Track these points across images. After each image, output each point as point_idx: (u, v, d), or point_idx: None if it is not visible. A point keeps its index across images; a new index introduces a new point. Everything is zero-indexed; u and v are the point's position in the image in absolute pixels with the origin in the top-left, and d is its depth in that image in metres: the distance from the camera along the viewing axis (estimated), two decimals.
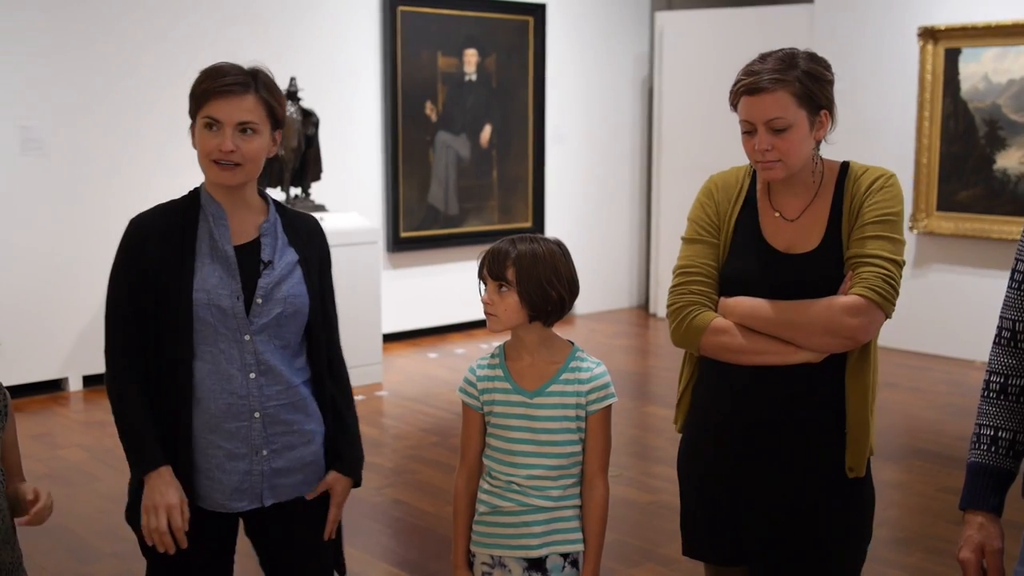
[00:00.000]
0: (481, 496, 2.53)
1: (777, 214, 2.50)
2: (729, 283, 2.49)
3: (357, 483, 2.63)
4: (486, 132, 8.35)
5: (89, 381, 6.68)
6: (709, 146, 8.57)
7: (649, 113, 9.36)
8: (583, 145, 9.07)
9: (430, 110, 8.00)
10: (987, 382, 2.27)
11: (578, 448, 2.49)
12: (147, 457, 2.38)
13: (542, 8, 8.53)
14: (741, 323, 2.43)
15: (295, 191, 6.65)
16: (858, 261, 2.38)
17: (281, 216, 2.51)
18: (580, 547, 2.49)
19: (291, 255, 2.47)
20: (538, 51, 8.54)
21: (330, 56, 7.35)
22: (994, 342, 2.27)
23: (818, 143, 2.47)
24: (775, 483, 2.46)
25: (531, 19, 8.48)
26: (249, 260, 2.41)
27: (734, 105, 2.46)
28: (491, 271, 2.45)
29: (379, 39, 7.72)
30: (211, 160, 2.35)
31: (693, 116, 8.69)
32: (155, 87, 6.75)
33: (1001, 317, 2.25)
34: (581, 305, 8.97)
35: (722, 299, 2.48)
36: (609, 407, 2.50)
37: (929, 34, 7.32)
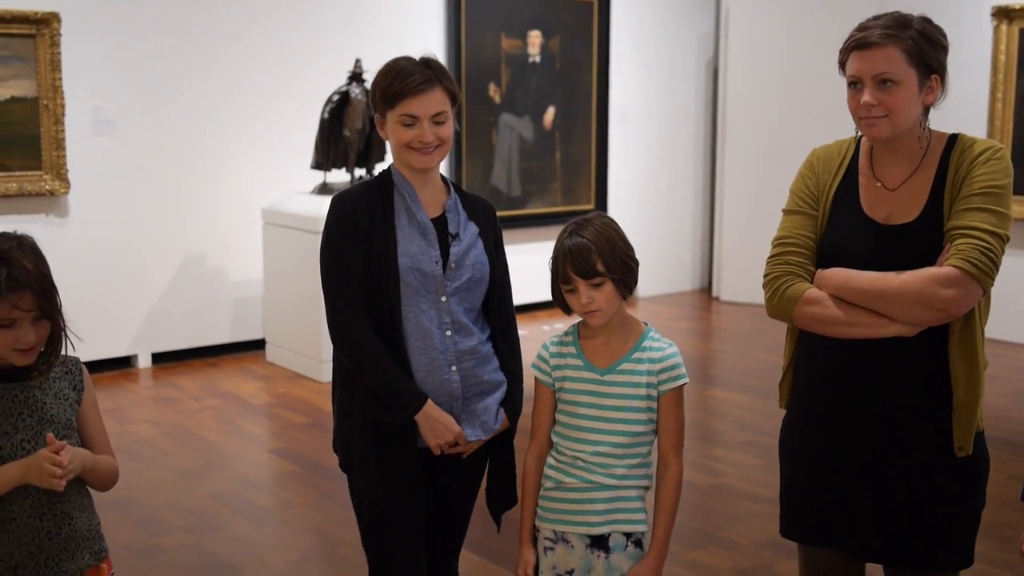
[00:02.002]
0: (547, 471, 2.56)
1: (879, 184, 2.45)
2: (826, 254, 2.46)
3: (512, 426, 2.78)
4: (549, 114, 8.33)
5: (158, 358, 6.81)
6: (775, 128, 8.48)
7: (714, 94, 9.27)
8: (647, 127, 9.02)
9: (494, 92, 8.00)
10: None
11: (645, 428, 2.49)
12: (412, 398, 2.59)
13: None
14: (835, 294, 2.38)
15: (359, 172, 6.69)
16: (957, 232, 2.31)
17: (460, 196, 2.76)
18: (643, 527, 2.50)
19: (473, 228, 2.73)
20: (602, 32, 8.49)
21: (395, 37, 7.38)
22: None
23: (927, 110, 2.41)
24: (876, 463, 2.42)
25: (595, 0, 8.43)
26: (438, 232, 2.66)
27: (842, 64, 2.41)
28: (581, 272, 2.45)
29: (444, 20, 7.73)
30: (410, 148, 2.60)
31: (759, 97, 8.60)
32: (223, 68, 6.84)
33: None
34: (644, 288, 8.93)
35: (818, 271, 2.44)
36: (681, 387, 2.50)
37: (1003, 14, 7.16)
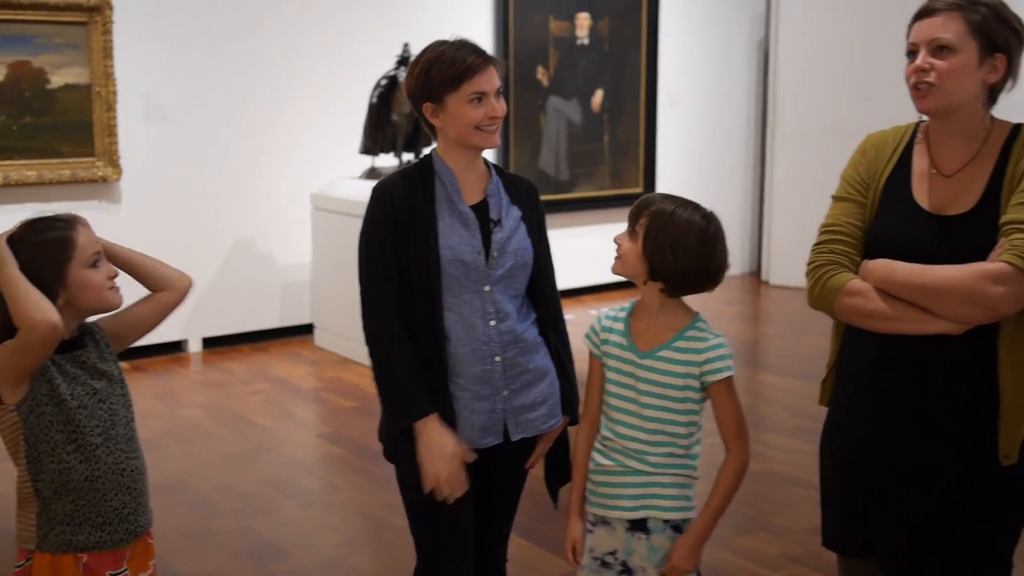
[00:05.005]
0: (592, 452, 2.53)
1: (934, 170, 2.33)
2: (874, 245, 2.35)
3: (574, 421, 2.75)
4: (598, 96, 8.28)
5: (208, 343, 6.88)
6: (826, 111, 8.37)
7: (764, 76, 9.16)
8: (696, 109, 8.94)
9: (542, 75, 7.96)
10: None
11: (683, 418, 2.42)
12: (416, 406, 2.53)
13: None
14: (879, 286, 2.28)
15: (407, 156, 6.69)
16: (1012, 227, 2.17)
17: (501, 178, 2.72)
18: (678, 514, 2.44)
19: (515, 212, 2.69)
20: (651, 13, 8.42)
21: (443, 20, 7.35)
22: None
23: (992, 94, 2.31)
24: (914, 469, 2.30)
25: None
26: (481, 218, 2.63)
27: (908, 36, 2.33)
28: (630, 215, 2.44)
29: (492, 2, 7.70)
30: (479, 130, 2.59)
31: (810, 79, 8.49)
32: (272, 54, 6.87)
33: None
34: None
35: (864, 261, 2.34)
36: (727, 380, 2.41)
37: None
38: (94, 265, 2.40)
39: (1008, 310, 2.17)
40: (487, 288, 2.59)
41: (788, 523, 4.16)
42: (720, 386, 2.41)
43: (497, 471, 2.72)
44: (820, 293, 2.36)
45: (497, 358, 2.59)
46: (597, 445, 2.51)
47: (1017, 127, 2.33)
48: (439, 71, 2.56)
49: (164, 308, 2.60)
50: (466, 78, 2.54)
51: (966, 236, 2.25)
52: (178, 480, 4.64)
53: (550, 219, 2.88)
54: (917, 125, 2.44)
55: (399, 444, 2.63)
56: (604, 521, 2.48)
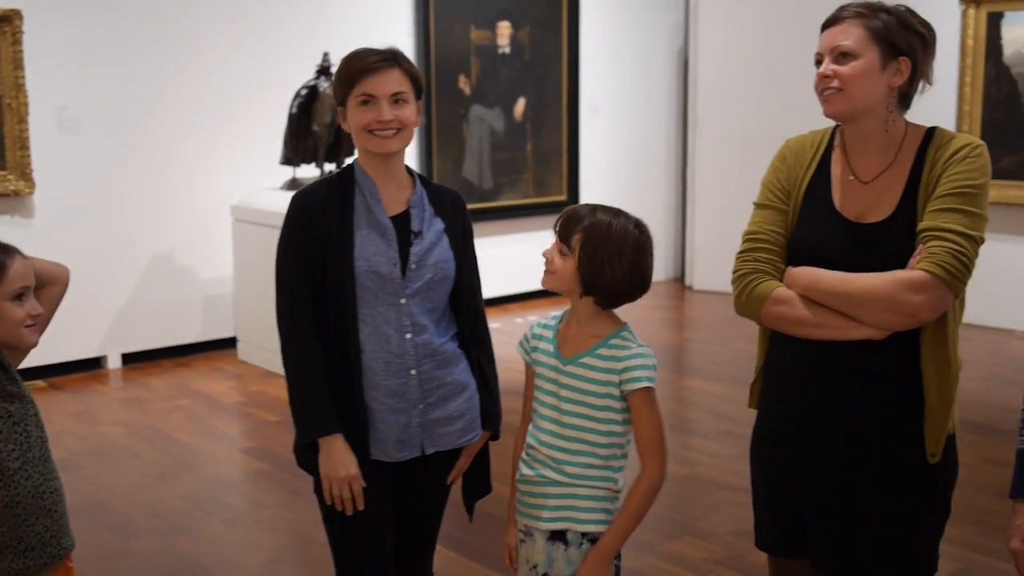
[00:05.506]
0: (519, 462, 2.51)
1: (851, 177, 2.38)
2: (797, 251, 2.39)
3: (495, 436, 2.75)
4: (520, 105, 8.29)
5: (128, 359, 6.73)
6: (745, 117, 8.47)
7: (684, 84, 9.26)
8: (618, 117, 8.99)
9: (464, 84, 7.95)
10: None
11: (603, 427, 2.40)
12: (323, 422, 2.53)
13: None
14: (803, 294, 2.31)
15: (329, 166, 6.63)
16: (930, 234, 2.23)
17: (426, 189, 2.69)
18: (597, 527, 2.41)
19: (438, 224, 2.65)
20: (572, 22, 8.45)
21: (363, 30, 7.30)
22: None
23: (903, 97, 2.36)
24: (844, 469, 2.35)
25: None
26: (401, 230, 2.59)
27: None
28: (560, 231, 2.41)
29: (412, 12, 7.67)
30: (368, 132, 2.54)
31: (729, 86, 8.60)
32: (190, 63, 6.75)
33: None
34: None
35: (788, 268, 2.38)
36: (645, 390, 2.37)
37: None
38: (19, 298, 2.34)
39: (928, 317, 2.23)
40: (403, 301, 2.56)
41: (714, 527, 4.18)
42: (637, 396, 2.38)
43: (416, 485, 2.70)
44: (746, 301, 2.40)
45: (412, 371, 2.57)
46: (523, 455, 2.50)
47: (931, 131, 2.37)
48: (339, 72, 2.59)
49: (52, 304, 2.53)
50: (357, 80, 2.53)
51: (886, 243, 2.30)
52: (97, 500, 4.53)
53: (475, 228, 2.85)
54: (834, 130, 2.48)
55: (314, 462, 2.59)
56: (529, 532, 2.46)
